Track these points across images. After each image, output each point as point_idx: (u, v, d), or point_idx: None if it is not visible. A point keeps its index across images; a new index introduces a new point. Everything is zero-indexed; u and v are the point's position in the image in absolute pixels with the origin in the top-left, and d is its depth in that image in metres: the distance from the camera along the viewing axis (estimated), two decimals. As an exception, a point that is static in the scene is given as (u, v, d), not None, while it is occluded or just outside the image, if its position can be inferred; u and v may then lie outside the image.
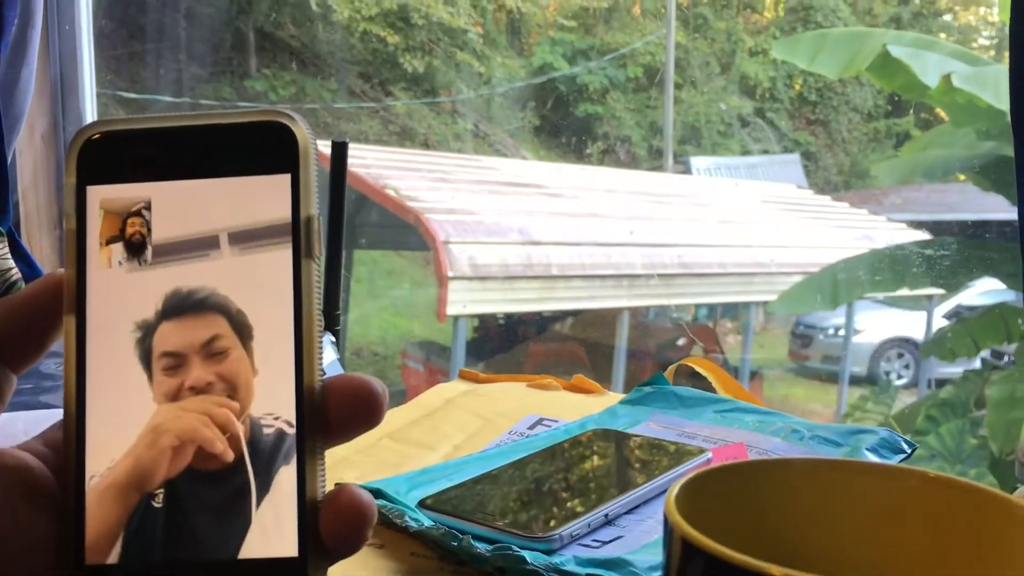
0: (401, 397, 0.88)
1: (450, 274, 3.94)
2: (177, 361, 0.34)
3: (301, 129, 0.35)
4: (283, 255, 0.34)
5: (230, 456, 0.33)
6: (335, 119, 5.47)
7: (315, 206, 0.34)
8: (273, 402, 0.34)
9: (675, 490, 0.38)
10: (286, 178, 0.34)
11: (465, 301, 4.08)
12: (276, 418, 0.34)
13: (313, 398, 0.34)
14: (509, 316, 4.78)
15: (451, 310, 4.04)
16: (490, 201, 4.50)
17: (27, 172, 1.35)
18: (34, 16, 1.05)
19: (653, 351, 4.57)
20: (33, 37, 1.05)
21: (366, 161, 4.43)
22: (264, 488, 0.33)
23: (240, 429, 0.34)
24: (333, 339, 0.95)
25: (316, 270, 0.34)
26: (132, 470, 0.34)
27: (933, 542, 0.40)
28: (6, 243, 1.07)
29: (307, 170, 0.34)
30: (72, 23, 1.37)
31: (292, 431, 0.33)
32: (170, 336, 0.34)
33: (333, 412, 0.34)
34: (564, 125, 5.72)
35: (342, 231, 0.96)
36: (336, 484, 0.34)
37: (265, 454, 0.33)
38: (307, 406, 0.34)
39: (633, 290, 4.39)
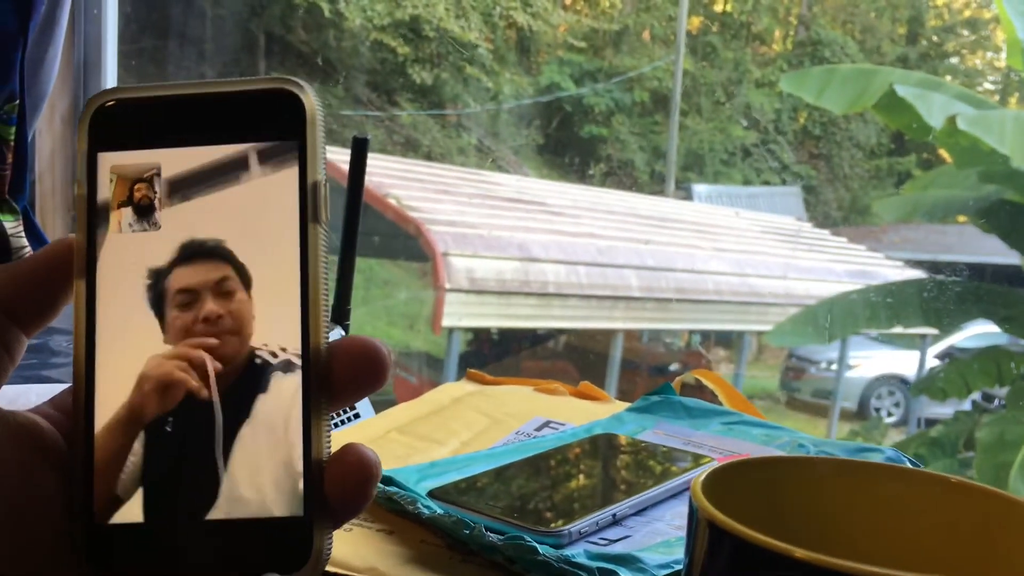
0: (391, 407, 0.88)
1: (448, 286, 3.93)
2: (190, 298, 0.35)
3: (309, 97, 0.35)
4: (290, 219, 0.35)
5: (204, 393, 0.34)
6: (340, 126, 5.46)
7: (321, 172, 0.35)
8: (279, 362, 0.34)
9: (701, 478, 0.39)
10: (293, 144, 0.35)
11: (461, 314, 4.07)
12: (282, 378, 0.34)
13: (319, 358, 0.34)
14: (503, 331, 4.78)
15: (447, 322, 4.03)
16: (492, 216, 4.50)
17: (45, 153, 1.35)
18: (64, -5, 1.05)
19: (646, 374, 4.57)
20: (61, 17, 1.05)
21: (369, 169, 4.42)
22: (269, 448, 0.34)
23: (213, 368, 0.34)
24: (343, 333, 0.95)
25: (323, 234, 0.35)
26: (127, 421, 0.34)
27: (954, 546, 0.40)
28: (20, 221, 1.07)
29: (314, 136, 0.35)
30: (100, 6, 1.37)
31: (298, 391, 0.34)
32: (183, 277, 0.35)
33: (339, 373, 0.34)
34: (568, 145, 5.73)
35: (357, 226, 0.97)
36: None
37: (270, 414, 0.34)
38: (313, 366, 0.34)
39: (629, 312, 4.39)
